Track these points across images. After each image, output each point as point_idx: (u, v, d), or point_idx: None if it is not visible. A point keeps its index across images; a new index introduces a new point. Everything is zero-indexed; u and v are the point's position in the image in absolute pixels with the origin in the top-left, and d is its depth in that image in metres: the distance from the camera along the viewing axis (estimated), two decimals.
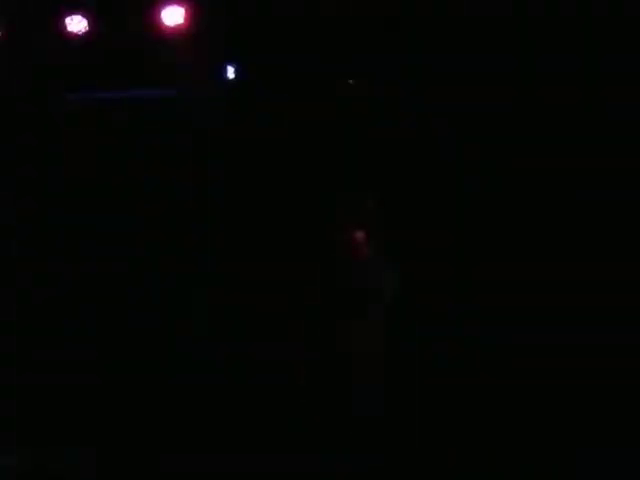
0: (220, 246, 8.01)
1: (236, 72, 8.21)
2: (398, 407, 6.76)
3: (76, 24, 7.58)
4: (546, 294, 7.52)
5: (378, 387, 6.51)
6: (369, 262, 5.95)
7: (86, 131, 8.23)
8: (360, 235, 5.73)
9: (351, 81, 8.06)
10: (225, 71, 8.22)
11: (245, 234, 7.93)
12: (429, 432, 6.75)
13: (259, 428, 6.96)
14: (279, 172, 7.96)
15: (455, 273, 7.66)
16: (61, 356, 7.64)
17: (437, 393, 7.07)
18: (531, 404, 7.12)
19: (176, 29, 7.62)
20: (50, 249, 8.08)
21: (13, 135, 8.05)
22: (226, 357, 7.63)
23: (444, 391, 7.08)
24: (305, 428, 6.68)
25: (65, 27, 7.58)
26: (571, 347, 7.25)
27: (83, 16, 7.59)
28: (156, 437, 7.05)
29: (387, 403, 6.62)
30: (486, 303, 7.51)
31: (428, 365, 7.16)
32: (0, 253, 8.05)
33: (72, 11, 7.53)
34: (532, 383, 7.23)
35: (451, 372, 7.17)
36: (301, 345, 6.64)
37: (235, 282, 7.75)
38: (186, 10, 7.60)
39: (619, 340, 7.24)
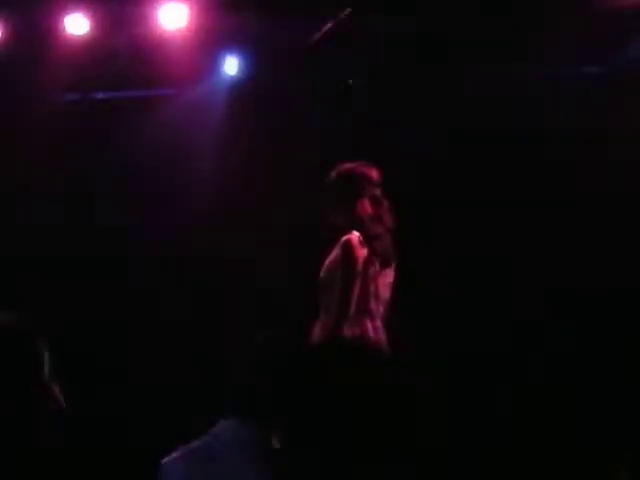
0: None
1: (238, 68, 8.22)
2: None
3: (76, 24, 7.58)
4: (545, 293, 7.56)
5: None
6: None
7: (85, 131, 8.26)
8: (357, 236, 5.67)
9: (351, 81, 8.08)
10: (225, 69, 8.23)
11: (243, 233, 7.96)
12: (428, 432, 6.76)
13: None
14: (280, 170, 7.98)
15: (454, 272, 7.69)
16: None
17: (436, 393, 7.08)
18: (531, 405, 7.15)
19: (176, 29, 7.61)
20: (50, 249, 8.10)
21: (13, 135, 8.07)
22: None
23: (443, 391, 7.09)
24: None
25: (65, 27, 7.58)
26: (570, 347, 7.29)
27: (83, 16, 7.59)
28: (156, 437, 7.06)
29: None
30: (486, 303, 7.55)
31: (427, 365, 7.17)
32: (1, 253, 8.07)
33: (72, 11, 7.53)
34: (532, 383, 7.26)
35: (450, 372, 7.19)
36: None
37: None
38: (187, 9, 7.58)
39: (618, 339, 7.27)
